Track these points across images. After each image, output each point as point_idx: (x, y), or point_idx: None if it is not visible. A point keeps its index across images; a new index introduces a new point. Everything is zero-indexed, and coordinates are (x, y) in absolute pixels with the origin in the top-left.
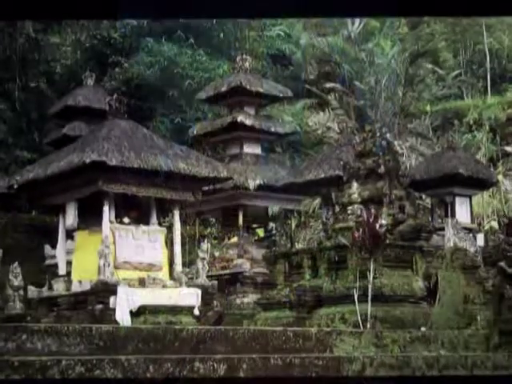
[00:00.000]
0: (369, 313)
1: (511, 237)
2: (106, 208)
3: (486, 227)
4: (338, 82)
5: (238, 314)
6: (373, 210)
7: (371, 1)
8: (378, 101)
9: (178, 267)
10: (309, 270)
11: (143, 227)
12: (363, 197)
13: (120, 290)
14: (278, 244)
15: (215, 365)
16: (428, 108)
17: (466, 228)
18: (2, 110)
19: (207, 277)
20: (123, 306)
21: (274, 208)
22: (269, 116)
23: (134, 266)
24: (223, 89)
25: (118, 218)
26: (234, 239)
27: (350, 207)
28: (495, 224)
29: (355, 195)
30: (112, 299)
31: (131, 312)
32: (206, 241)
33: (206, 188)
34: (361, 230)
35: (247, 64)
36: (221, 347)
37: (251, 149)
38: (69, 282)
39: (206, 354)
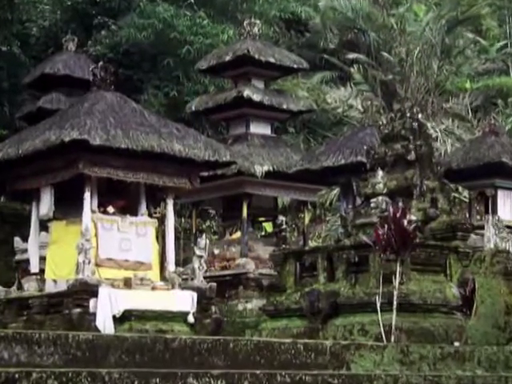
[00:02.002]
0: (393, 324)
1: None
2: (87, 195)
3: None
4: (363, 52)
5: (239, 322)
6: (400, 204)
7: None
8: (409, 75)
9: (171, 266)
10: (324, 272)
11: (130, 218)
12: (389, 187)
13: (102, 291)
14: (288, 241)
15: (212, 381)
16: (467, 85)
17: (509, 226)
18: None
19: (205, 278)
20: (105, 310)
21: (284, 199)
22: (280, 91)
23: (119, 263)
24: (227, 58)
25: (102, 207)
26: (237, 234)
27: (373, 199)
28: None
29: (380, 185)
30: (92, 302)
31: (114, 317)
32: (204, 236)
33: (205, 174)
34: (386, 226)
35: (256, 29)
36: (219, 361)
37: (259, 129)
38: (42, 280)
39: (202, 368)
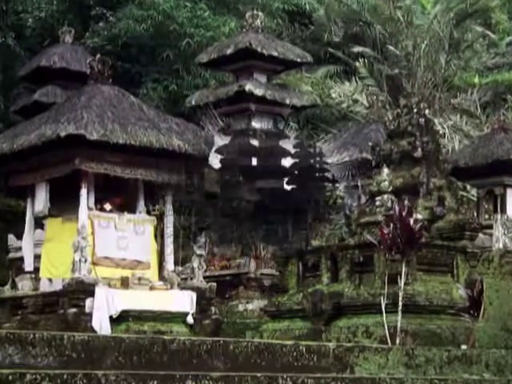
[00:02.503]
0: (399, 326)
1: None
2: (83, 191)
3: None
4: (368, 45)
5: (240, 324)
6: (406, 202)
7: None
8: (416, 70)
9: (170, 265)
10: (327, 272)
11: (128, 216)
12: (395, 185)
13: (98, 291)
14: (290, 240)
15: None
16: (476, 80)
17: None
18: None
19: (204, 277)
20: (102, 310)
21: None
22: (283, 85)
23: (116, 262)
24: (229, 51)
25: (98, 203)
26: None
27: (378, 197)
28: None
29: (386, 183)
30: (88, 302)
31: (111, 318)
32: (203, 234)
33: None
34: (391, 225)
35: (258, 22)
36: (219, 363)
37: (261, 124)
38: (36, 279)
39: (201, 370)
